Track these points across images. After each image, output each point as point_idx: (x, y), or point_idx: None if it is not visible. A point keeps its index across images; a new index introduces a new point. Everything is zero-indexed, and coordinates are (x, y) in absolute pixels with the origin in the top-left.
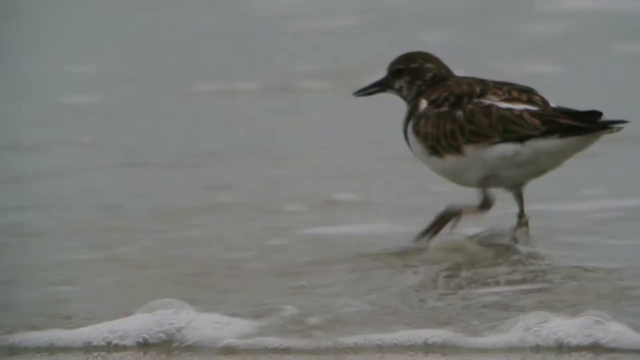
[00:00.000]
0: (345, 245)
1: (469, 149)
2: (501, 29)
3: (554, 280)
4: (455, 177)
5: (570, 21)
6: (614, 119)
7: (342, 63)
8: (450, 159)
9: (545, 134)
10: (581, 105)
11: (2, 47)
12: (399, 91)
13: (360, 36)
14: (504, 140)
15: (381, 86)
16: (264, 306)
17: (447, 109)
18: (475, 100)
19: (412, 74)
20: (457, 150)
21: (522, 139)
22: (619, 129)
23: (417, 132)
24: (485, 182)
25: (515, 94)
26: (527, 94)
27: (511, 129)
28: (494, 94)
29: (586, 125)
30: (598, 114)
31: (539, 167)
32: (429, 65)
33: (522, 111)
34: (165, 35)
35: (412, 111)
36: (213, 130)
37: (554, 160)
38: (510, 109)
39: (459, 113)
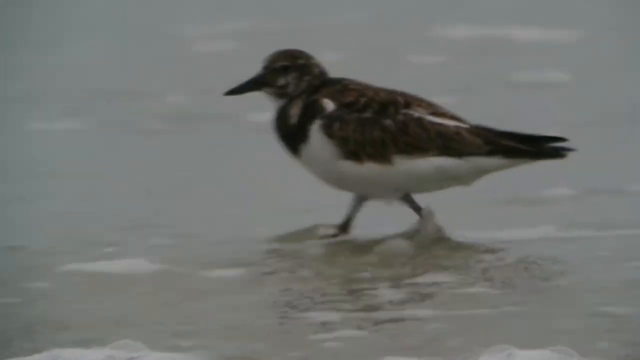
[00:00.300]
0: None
1: (398, 159)
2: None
3: None
4: (369, 184)
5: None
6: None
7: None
8: (371, 166)
9: (490, 153)
10: None
11: None
12: (280, 88)
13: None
14: (442, 154)
15: (258, 84)
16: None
17: (371, 115)
18: (403, 110)
19: (300, 70)
20: (384, 159)
21: (461, 154)
22: (566, 155)
23: (330, 134)
24: (406, 191)
25: (438, 109)
26: (442, 109)
27: (451, 146)
28: (419, 105)
29: (533, 150)
30: (555, 139)
31: (465, 181)
32: (313, 61)
33: (457, 128)
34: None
35: (315, 109)
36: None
37: (485, 175)
38: (442, 124)
39: (388, 122)
